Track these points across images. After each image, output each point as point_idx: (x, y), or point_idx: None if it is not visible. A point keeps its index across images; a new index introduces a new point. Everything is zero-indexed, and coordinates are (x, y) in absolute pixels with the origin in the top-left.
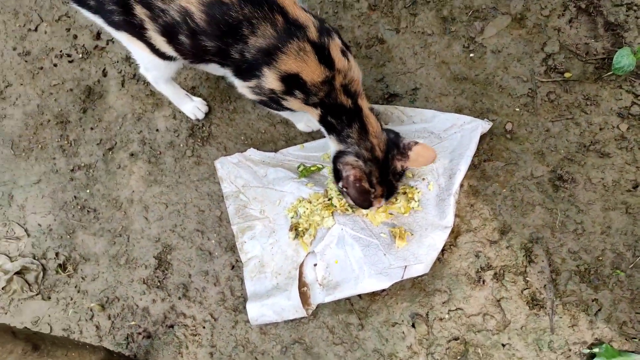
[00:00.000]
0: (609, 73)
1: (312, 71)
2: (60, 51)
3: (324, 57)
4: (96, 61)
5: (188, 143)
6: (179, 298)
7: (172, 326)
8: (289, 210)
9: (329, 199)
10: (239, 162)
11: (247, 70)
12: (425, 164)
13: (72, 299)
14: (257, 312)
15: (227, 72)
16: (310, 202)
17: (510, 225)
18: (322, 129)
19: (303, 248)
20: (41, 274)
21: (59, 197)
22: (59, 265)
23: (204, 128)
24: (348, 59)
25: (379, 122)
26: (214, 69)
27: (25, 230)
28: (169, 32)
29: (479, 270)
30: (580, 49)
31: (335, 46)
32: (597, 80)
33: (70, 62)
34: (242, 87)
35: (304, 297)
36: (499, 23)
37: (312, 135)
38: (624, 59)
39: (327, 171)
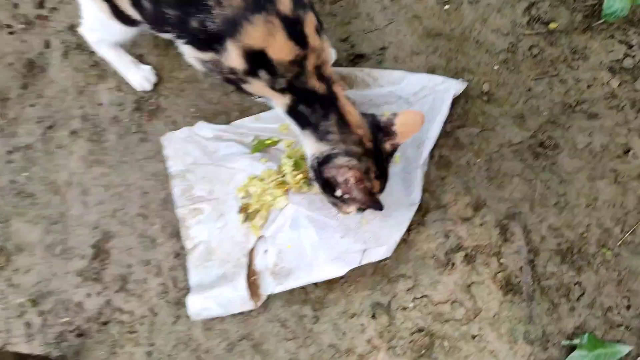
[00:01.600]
0: (599, 21)
1: (280, 48)
2: (0, 21)
3: (296, 33)
4: (39, 32)
5: (134, 118)
6: (116, 291)
7: (106, 323)
8: (239, 189)
9: (282, 176)
10: (188, 137)
11: (205, 41)
12: (416, 130)
13: (2, 295)
14: (200, 305)
15: (182, 47)
16: (262, 180)
17: (484, 200)
18: (293, 124)
19: (253, 232)
20: None
21: None
22: None
23: (152, 100)
24: (322, 39)
25: (357, 109)
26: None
27: None
28: None
29: (449, 251)
30: None
31: (310, 22)
32: (586, 30)
33: (10, 33)
34: (192, 56)
35: (254, 288)
36: None
37: (267, 106)
38: (616, 3)
39: (284, 144)
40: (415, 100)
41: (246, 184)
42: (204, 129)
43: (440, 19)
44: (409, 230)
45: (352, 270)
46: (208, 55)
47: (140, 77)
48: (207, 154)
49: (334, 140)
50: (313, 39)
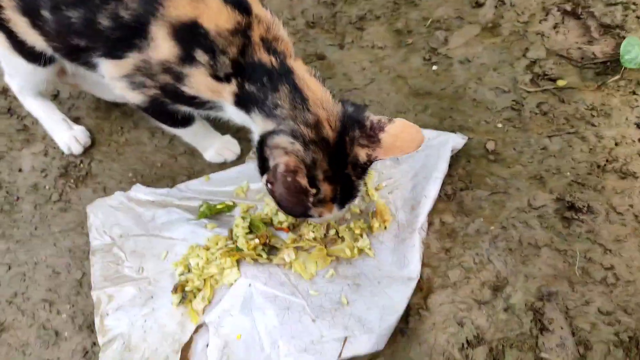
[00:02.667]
0: (614, 77)
1: (215, 14)
2: None
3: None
4: None
5: (57, 185)
6: None
7: None
8: (176, 264)
9: (234, 242)
10: (120, 205)
11: (122, 40)
12: (408, 151)
13: None
14: None
15: (100, 64)
16: (207, 249)
17: (506, 278)
18: (242, 116)
19: (191, 319)
20: None
21: None
22: None
23: (82, 166)
24: (272, 15)
25: (326, 89)
26: (90, 70)
27: None
28: (30, 7)
29: (465, 346)
30: (573, 54)
31: None
32: (602, 87)
33: None
34: (115, 76)
35: None
36: (466, 32)
37: (224, 167)
38: (634, 49)
39: (240, 210)
40: (404, 157)
41: (186, 256)
42: (140, 192)
43: (428, 79)
44: (407, 316)
45: None
46: (131, 61)
47: (68, 137)
48: (141, 223)
49: (281, 115)
50: (257, 7)
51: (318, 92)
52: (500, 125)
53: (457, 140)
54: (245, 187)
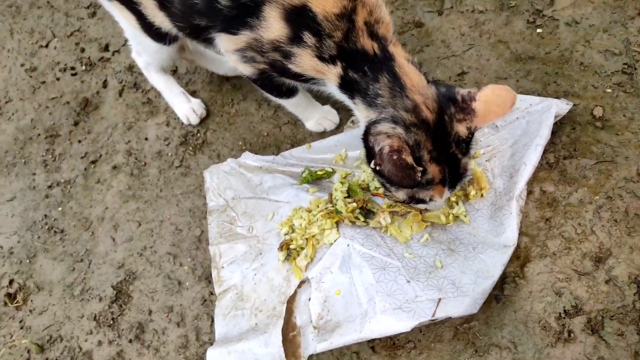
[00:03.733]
0: None
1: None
2: (65, 64)
3: None
4: (98, 72)
5: (178, 152)
6: (130, 341)
7: None
8: (281, 224)
9: (333, 204)
10: (231, 170)
11: (238, 18)
12: (503, 113)
13: (11, 337)
14: None
15: (217, 40)
16: (309, 212)
17: (609, 249)
18: (346, 99)
19: (295, 274)
20: None
21: (29, 216)
22: (8, 295)
23: (199, 135)
24: None
25: (424, 76)
26: (208, 47)
27: None
28: None
29: (563, 315)
30: None
31: None
32: None
33: (73, 75)
34: (230, 49)
35: (292, 347)
36: None
37: (324, 136)
38: None
39: (339, 176)
40: (503, 124)
41: (290, 217)
42: (249, 159)
43: (531, 43)
44: (502, 283)
45: (423, 333)
46: (244, 38)
47: (188, 109)
48: (250, 187)
49: (382, 104)
50: None
51: (415, 78)
52: (609, 90)
53: (561, 106)
54: (344, 154)
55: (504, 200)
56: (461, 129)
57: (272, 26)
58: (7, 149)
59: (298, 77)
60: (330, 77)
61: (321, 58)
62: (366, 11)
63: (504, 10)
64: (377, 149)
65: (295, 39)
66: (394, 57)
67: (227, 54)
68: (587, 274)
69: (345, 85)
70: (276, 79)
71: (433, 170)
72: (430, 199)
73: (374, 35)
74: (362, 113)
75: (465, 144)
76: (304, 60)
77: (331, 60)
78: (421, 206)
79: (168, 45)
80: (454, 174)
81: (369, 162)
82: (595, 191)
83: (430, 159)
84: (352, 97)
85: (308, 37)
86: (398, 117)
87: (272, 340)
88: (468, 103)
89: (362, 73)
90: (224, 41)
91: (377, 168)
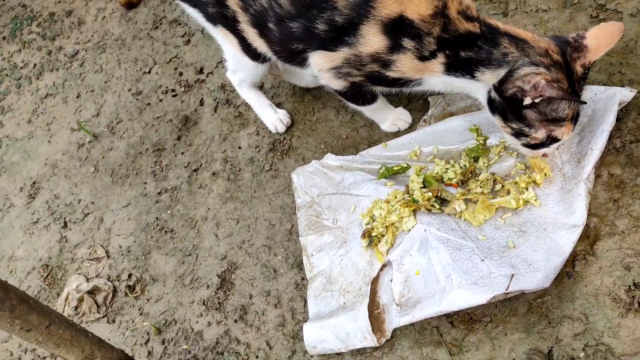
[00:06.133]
0: None
1: (416, 5)
2: (166, 87)
3: None
4: (195, 92)
5: (267, 157)
6: (235, 321)
7: (222, 353)
8: (363, 215)
9: (410, 195)
10: (315, 170)
11: (335, 39)
12: (612, 43)
13: (133, 322)
14: (316, 335)
15: (311, 59)
16: (388, 202)
17: None
18: (456, 81)
19: (377, 259)
20: (110, 295)
21: (142, 219)
22: (128, 286)
23: (285, 141)
24: None
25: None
26: (301, 68)
27: (106, 252)
28: (259, 21)
29: (632, 288)
30: None
31: None
32: None
33: (173, 96)
34: (325, 68)
35: (377, 323)
36: None
37: (398, 135)
38: None
39: (414, 170)
40: None
41: (370, 208)
42: (331, 160)
43: None
44: (573, 261)
45: (498, 308)
46: (342, 54)
47: (275, 119)
48: (333, 184)
49: (514, 57)
50: None
51: (529, 33)
52: None
53: (625, 94)
54: (418, 151)
55: (572, 184)
56: (578, 67)
57: (372, 41)
58: (121, 162)
59: (394, 82)
60: (433, 70)
61: (421, 57)
62: (456, 2)
63: (567, 7)
64: (528, 87)
65: (395, 47)
66: (499, 26)
67: (320, 72)
68: None
69: (458, 66)
70: (365, 88)
71: (570, 106)
72: (562, 136)
73: (470, 18)
74: (486, 80)
75: (583, 82)
76: (404, 64)
77: (431, 56)
78: (541, 151)
79: (262, 63)
80: (577, 110)
81: (510, 115)
82: None
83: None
84: (470, 72)
85: (407, 42)
86: (537, 61)
87: (360, 316)
88: (580, 42)
89: (477, 47)
90: (319, 59)
91: (537, 100)
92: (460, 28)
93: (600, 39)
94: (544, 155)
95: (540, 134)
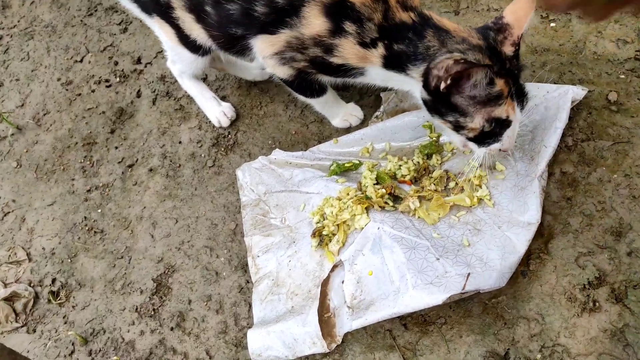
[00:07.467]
0: None
1: None
2: (100, 77)
3: None
4: (132, 83)
5: (210, 153)
6: (172, 329)
7: None
8: (313, 213)
9: (363, 191)
10: (262, 167)
11: (276, 21)
12: (530, 11)
13: (56, 331)
14: (261, 342)
15: (255, 46)
16: (339, 200)
17: (630, 224)
18: (394, 77)
19: (328, 259)
20: (31, 302)
21: (69, 218)
22: (52, 292)
23: (230, 136)
24: None
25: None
26: (241, 58)
27: (28, 255)
28: (195, 5)
29: (587, 287)
30: None
31: None
32: None
33: (107, 86)
34: (268, 53)
35: (327, 327)
36: None
37: (350, 131)
38: None
39: (365, 167)
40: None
41: (321, 206)
42: (279, 156)
43: (546, 37)
44: (527, 259)
45: (453, 309)
46: (283, 37)
47: (219, 112)
48: (281, 181)
49: (434, 51)
50: None
51: (454, 24)
52: (622, 76)
53: (577, 92)
54: (370, 147)
55: (525, 181)
56: (507, 48)
57: (313, 23)
58: (47, 157)
59: (338, 70)
60: (373, 60)
61: (363, 44)
62: None
63: None
64: (441, 73)
65: (337, 30)
66: (431, 16)
67: (264, 60)
68: (608, 247)
69: (393, 60)
70: (311, 77)
71: (499, 83)
72: (507, 116)
73: (407, 7)
74: (417, 75)
75: (516, 59)
76: (347, 50)
77: (372, 44)
78: (496, 146)
79: (202, 56)
80: (518, 89)
81: (441, 107)
82: (614, 170)
83: (497, 74)
84: (403, 68)
85: (349, 26)
86: (453, 49)
87: (309, 320)
88: (500, 22)
89: (407, 40)
90: (261, 44)
91: (449, 82)
92: (396, 17)
93: (517, 12)
94: (502, 150)
95: (477, 121)
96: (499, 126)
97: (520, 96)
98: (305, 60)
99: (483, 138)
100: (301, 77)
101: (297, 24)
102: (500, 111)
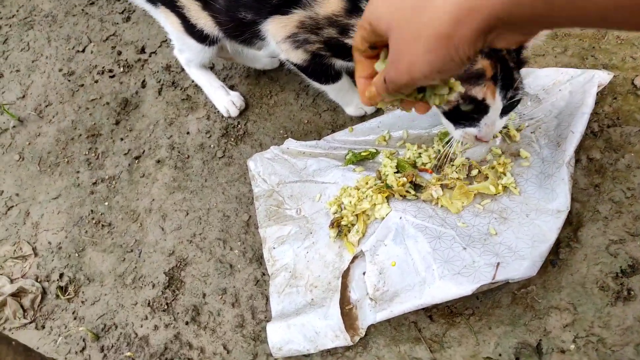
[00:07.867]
0: None
1: None
2: (103, 67)
3: None
4: (137, 73)
5: (220, 143)
6: (187, 323)
7: (172, 359)
8: (330, 203)
9: (382, 180)
10: (275, 157)
11: (288, 0)
12: None
13: (66, 327)
14: (282, 336)
15: (267, 30)
16: (358, 189)
17: None
18: None
19: (348, 250)
20: (39, 297)
21: (75, 212)
22: (60, 287)
23: (239, 126)
24: None
25: None
26: (249, 47)
27: (34, 249)
28: None
29: (620, 275)
30: None
31: None
32: None
33: (111, 77)
34: (281, 37)
35: (349, 319)
36: None
37: (365, 120)
38: None
39: (383, 156)
40: (546, 96)
41: (338, 196)
42: (292, 145)
43: None
44: (557, 248)
45: (480, 300)
46: (296, 17)
47: (227, 102)
48: (295, 171)
49: None
50: None
51: None
52: None
53: (602, 76)
54: (387, 135)
55: (553, 168)
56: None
57: (328, 1)
58: (50, 149)
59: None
60: None
61: None
62: None
63: None
64: None
65: (353, 9)
66: None
67: (278, 45)
68: None
69: None
70: (326, 62)
71: (482, 62)
72: (484, 97)
73: None
74: None
75: (516, 51)
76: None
77: None
78: (472, 131)
79: (209, 46)
80: (505, 79)
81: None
82: None
83: (480, 52)
84: None
85: (365, 3)
86: None
87: (331, 313)
88: None
89: None
90: (273, 27)
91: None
92: None
93: None
94: (478, 139)
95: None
96: (476, 108)
97: (506, 87)
98: (319, 42)
99: (459, 117)
100: (316, 62)
101: (311, 2)
102: (477, 91)
